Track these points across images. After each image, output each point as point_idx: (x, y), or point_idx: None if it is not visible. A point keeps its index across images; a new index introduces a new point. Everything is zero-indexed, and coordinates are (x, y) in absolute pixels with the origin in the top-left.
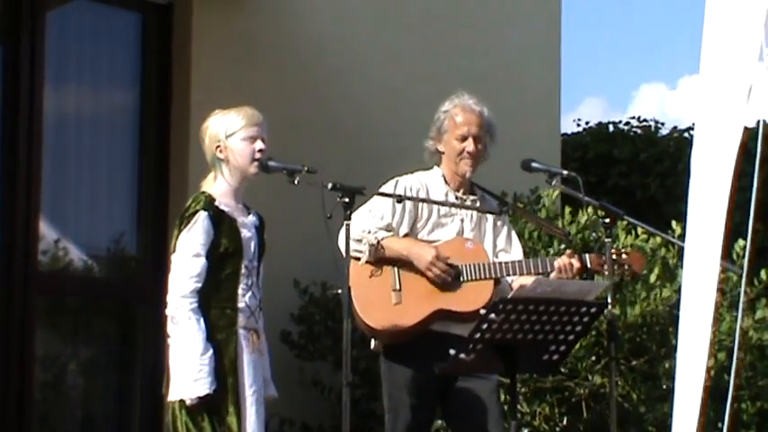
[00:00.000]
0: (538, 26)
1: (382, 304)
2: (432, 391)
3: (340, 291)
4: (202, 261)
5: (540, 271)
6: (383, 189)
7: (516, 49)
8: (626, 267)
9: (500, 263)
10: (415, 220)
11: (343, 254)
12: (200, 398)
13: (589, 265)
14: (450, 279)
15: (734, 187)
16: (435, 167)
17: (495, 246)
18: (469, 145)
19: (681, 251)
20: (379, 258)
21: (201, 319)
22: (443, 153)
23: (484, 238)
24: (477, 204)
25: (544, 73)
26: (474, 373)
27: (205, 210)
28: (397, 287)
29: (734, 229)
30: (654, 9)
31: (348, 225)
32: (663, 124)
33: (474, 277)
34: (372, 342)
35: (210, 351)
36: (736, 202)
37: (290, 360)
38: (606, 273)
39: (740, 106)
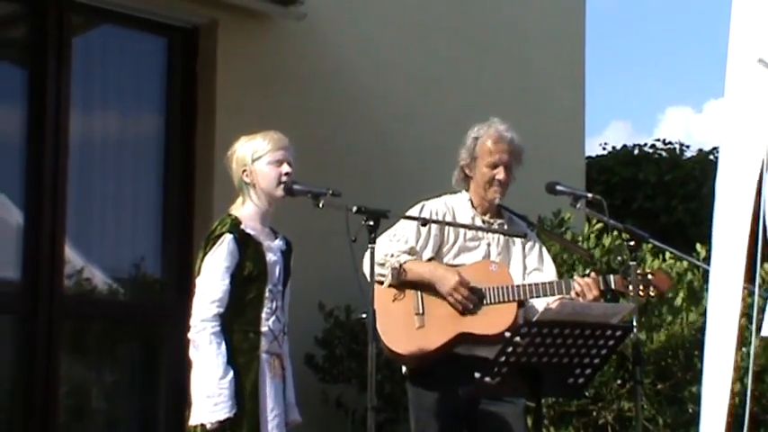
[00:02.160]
0: (562, 50)
1: (405, 328)
2: (458, 415)
3: (365, 315)
4: (226, 285)
5: (564, 293)
6: (409, 213)
7: (541, 72)
8: (651, 288)
9: (523, 285)
10: (441, 245)
11: (368, 278)
12: (220, 422)
13: (613, 287)
14: (471, 306)
15: (757, 210)
16: (462, 191)
17: (525, 267)
18: (500, 173)
19: (706, 274)
20: (403, 282)
21: (223, 343)
22: (472, 178)
23: (511, 261)
24: (505, 227)
25: (569, 96)
26: (501, 397)
27: (231, 232)
28: (420, 311)
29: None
30: (679, 33)
31: (372, 249)
32: (688, 147)
33: (497, 300)
34: (403, 368)
35: (231, 375)
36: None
37: (314, 383)
38: (631, 294)
39: (765, 129)
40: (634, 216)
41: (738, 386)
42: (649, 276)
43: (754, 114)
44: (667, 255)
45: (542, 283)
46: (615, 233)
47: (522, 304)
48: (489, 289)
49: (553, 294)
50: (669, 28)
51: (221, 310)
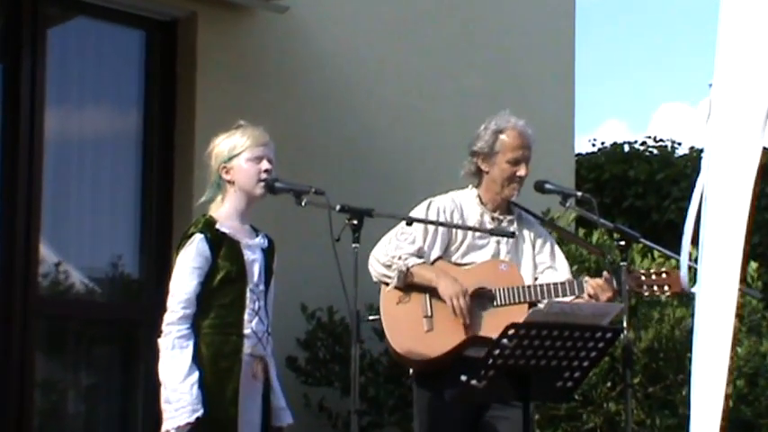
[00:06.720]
0: (552, 47)
1: (413, 331)
2: (462, 419)
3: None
4: (194, 285)
5: (577, 293)
6: (416, 210)
7: (530, 68)
8: (665, 288)
9: (534, 286)
10: (449, 243)
11: (374, 277)
12: (180, 426)
13: (627, 287)
14: (468, 320)
15: (752, 209)
16: (470, 187)
17: (535, 265)
18: (521, 169)
19: (696, 273)
20: (408, 285)
21: (189, 347)
22: (486, 173)
23: (522, 259)
24: (515, 224)
25: (559, 93)
26: (510, 401)
27: (201, 232)
28: (429, 314)
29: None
30: (675, 28)
31: (377, 248)
32: (680, 144)
33: (508, 301)
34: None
35: (195, 376)
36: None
37: (297, 386)
38: (645, 293)
39: (758, 127)
40: (624, 215)
41: (730, 388)
42: (663, 276)
43: (746, 112)
44: (656, 254)
45: (554, 284)
46: (604, 230)
47: (532, 305)
48: (499, 290)
49: (565, 295)
50: (665, 23)
51: (188, 311)
